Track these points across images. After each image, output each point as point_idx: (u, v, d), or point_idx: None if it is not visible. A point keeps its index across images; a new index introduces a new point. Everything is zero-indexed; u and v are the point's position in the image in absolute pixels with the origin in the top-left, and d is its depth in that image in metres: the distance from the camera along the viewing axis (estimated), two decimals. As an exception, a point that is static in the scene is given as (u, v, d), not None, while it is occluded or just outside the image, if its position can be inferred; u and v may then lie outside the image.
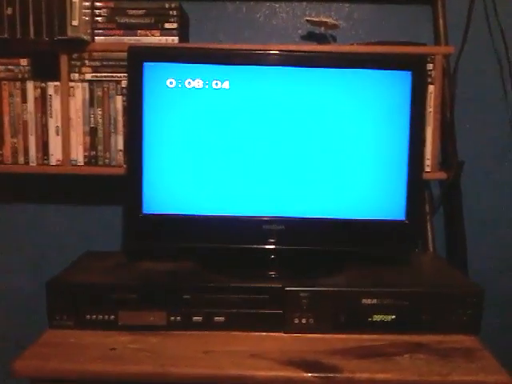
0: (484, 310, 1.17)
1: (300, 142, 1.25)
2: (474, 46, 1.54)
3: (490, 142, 1.60)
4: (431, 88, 1.39)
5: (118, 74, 1.40)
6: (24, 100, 1.40)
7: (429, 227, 1.56)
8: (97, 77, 1.40)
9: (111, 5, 1.41)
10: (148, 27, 1.41)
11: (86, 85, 1.40)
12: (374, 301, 1.16)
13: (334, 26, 1.50)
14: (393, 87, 1.25)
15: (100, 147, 1.41)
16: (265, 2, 1.58)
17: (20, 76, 1.40)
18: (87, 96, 1.40)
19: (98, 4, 1.41)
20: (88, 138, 1.41)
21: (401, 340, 1.15)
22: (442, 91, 1.42)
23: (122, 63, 1.38)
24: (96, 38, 1.41)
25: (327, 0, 1.57)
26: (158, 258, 1.37)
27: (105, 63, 1.40)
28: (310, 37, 1.58)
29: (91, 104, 1.41)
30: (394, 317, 1.17)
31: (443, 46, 1.51)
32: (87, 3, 1.38)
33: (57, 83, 1.40)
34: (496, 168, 1.62)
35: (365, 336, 1.16)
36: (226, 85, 1.24)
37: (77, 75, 1.40)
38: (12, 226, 1.65)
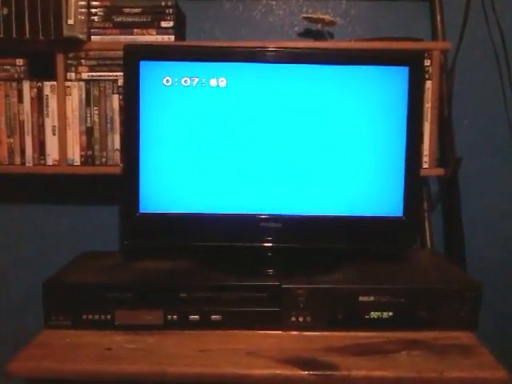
0: (481, 306, 1.17)
1: (297, 139, 1.25)
2: (471, 41, 1.54)
3: (488, 138, 1.60)
4: (429, 84, 1.38)
5: (115, 73, 1.40)
6: (20, 100, 1.40)
7: (427, 224, 1.56)
8: (93, 76, 1.40)
9: (107, 3, 1.41)
10: (144, 26, 1.41)
11: (82, 84, 1.40)
12: (371, 298, 1.16)
13: (331, 23, 1.49)
14: (390, 83, 1.25)
15: (97, 147, 1.41)
16: (261, -1, 1.58)
17: (16, 76, 1.40)
18: (84, 95, 1.40)
19: (93, 3, 1.40)
20: (85, 138, 1.41)
21: (398, 337, 1.14)
22: (439, 87, 1.41)
23: (118, 62, 1.38)
24: (92, 37, 1.41)
25: (324, -3, 1.57)
26: (154, 257, 1.37)
27: (101, 62, 1.40)
28: (306, 34, 1.58)
29: (88, 103, 1.40)
30: (391, 314, 1.16)
31: (441, 42, 1.51)
32: (83, 2, 1.38)
33: (53, 83, 1.40)
34: (494, 164, 1.61)
35: (362, 333, 1.15)
36: (223, 82, 1.24)
37: (73, 74, 1.40)
38: (8, 226, 1.65)
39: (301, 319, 1.17)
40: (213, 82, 1.24)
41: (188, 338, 1.13)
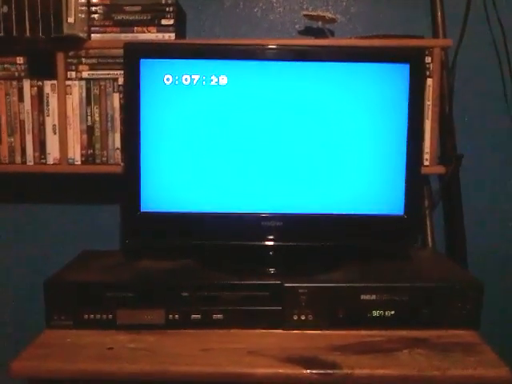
0: (484, 304, 1.17)
1: (298, 137, 1.24)
2: (472, 38, 1.53)
3: (489, 136, 1.60)
4: (429, 81, 1.38)
5: (115, 72, 1.39)
6: (21, 99, 1.40)
7: (428, 222, 1.56)
8: (93, 74, 1.40)
9: (107, 2, 1.40)
10: (144, 24, 1.40)
11: (82, 83, 1.40)
12: (373, 296, 1.16)
13: (332, 21, 1.49)
14: (391, 80, 1.24)
15: (97, 145, 1.41)
16: (261, -4, 1.58)
17: (16, 74, 1.40)
18: (84, 94, 1.40)
19: (94, 1, 1.40)
20: (85, 137, 1.41)
21: (400, 335, 1.14)
22: (440, 84, 1.41)
23: (118, 60, 1.38)
24: (92, 35, 1.41)
25: (324, -6, 1.57)
26: (155, 256, 1.37)
27: (101, 61, 1.40)
28: (307, 31, 1.57)
29: (88, 102, 1.40)
30: (393, 312, 1.16)
31: (441, 39, 1.50)
32: (83, 0, 1.38)
33: (53, 81, 1.40)
34: (495, 161, 1.61)
35: (364, 332, 1.15)
36: (224, 80, 1.23)
37: (73, 73, 1.40)
38: (9, 226, 1.64)
39: (303, 318, 1.16)
40: (213, 80, 1.23)
41: (190, 338, 1.13)
